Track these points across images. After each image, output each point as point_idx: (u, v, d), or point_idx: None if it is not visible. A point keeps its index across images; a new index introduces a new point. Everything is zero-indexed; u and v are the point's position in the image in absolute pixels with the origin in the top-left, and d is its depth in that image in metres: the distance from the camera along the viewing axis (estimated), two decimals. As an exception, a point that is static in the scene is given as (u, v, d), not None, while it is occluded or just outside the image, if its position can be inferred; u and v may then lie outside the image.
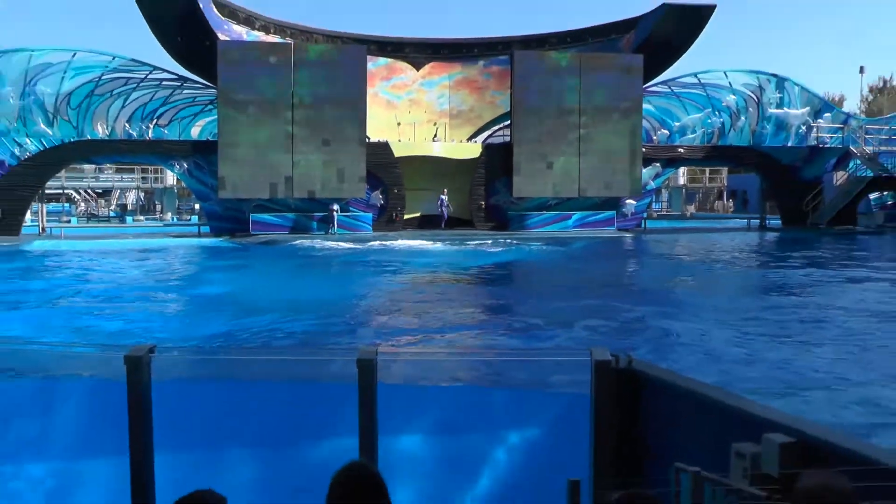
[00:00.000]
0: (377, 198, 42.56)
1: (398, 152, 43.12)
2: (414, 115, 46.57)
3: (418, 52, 47.82)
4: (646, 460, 6.94)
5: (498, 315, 20.07)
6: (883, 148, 49.71)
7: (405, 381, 9.11)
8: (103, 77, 39.96)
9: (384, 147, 43.00)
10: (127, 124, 40.65)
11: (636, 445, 7.07)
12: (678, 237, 44.71)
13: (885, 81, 77.92)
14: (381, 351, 6.90)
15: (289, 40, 44.05)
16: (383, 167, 42.55)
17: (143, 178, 62.69)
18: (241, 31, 43.28)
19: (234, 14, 43.03)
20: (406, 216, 43.31)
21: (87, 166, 57.38)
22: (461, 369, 11.29)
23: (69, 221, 54.14)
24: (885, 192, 52.03)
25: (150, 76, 40.45)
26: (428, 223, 43.57)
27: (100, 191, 67.65)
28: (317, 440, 8.18)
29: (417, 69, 47.85)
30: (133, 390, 6.87)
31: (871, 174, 48.71)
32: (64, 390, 8.56)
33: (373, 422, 6.77)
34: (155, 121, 40.46)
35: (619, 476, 6.68)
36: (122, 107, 40.49)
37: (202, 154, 40.50)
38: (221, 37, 40.66)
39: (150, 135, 40.81)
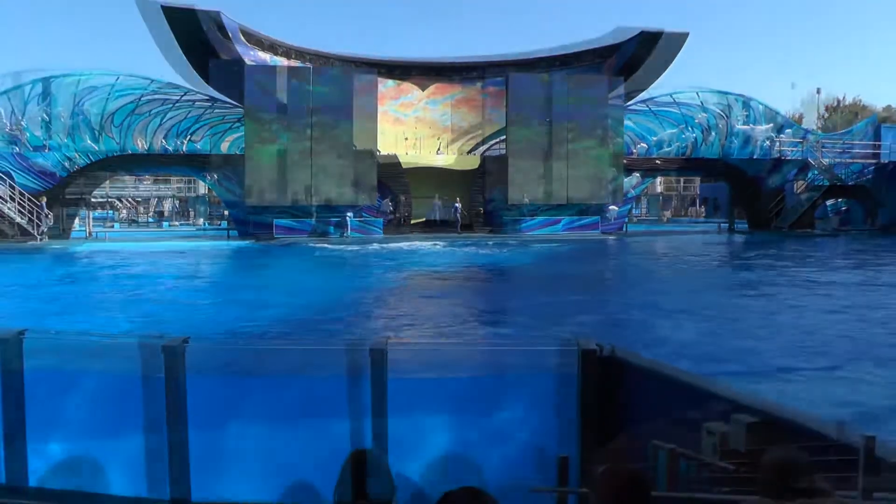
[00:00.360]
0: (387, 205, 42.90)
1: (405, 164, 43.49)
2: (420, 131, 46.92)
3: (423, 74, 48.03)
4: (627, 438, 6.86)
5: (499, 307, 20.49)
6: (837, 160, 49.87)
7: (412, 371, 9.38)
8: (143, 98, 40.35)
9: (393, 159, 43.37)
10: (164, 140, 41.01)
11: (619, 425, 7.07)
12: (656, 238, 45.22)
13: (838, 101, 78.59)
14: (391, 342, 6.97)
15: (308, 64, 44.31)
16: (392, 177, 42.98)
17: (178, 187, 63.03)
18: (266, 57, 43.59)
19: (259, 42, 43.35)
20: (412, 221, 43.59)
21: (128, 177, 57.70)
22: (461, 359, 11.43)
23: (112, 226, 54.46)
24: (839, 199, 52.40)
25: (184, 97, 40.82)
26: (435, 226, 43.74)
27: (139, 199, 67.95)
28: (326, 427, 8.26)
29: (423, 90, 48.11)
30: (170, 378, 6.93)
31: (827, 183, 49.04)
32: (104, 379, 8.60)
33: (384, 407, 6.82)
34: (189, 136, 40.80)
35: (603, 452, 6.59)
36: (160, 124, 40.86)
37: (231, 166, 40.82)
38: (248, 62, 41.06)
39: (184, 149, 41.19)
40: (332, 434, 7.70)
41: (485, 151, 47.79)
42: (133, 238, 41.74)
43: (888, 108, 70.85)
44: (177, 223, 59.42)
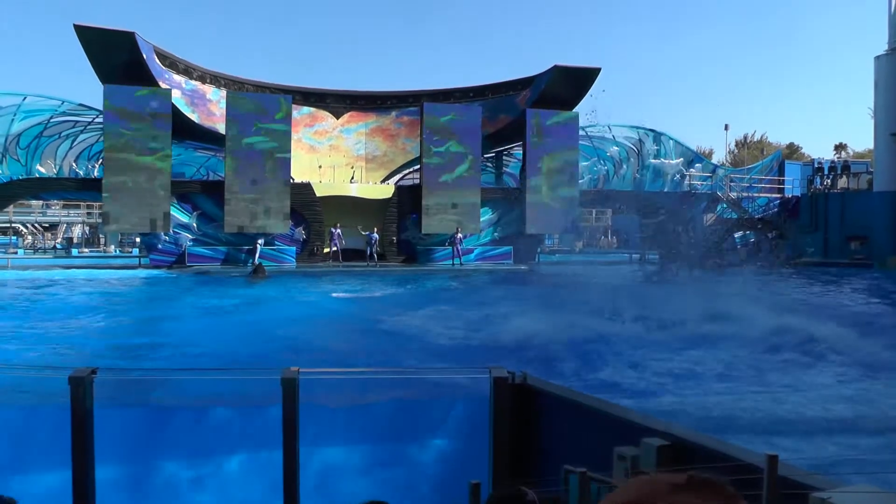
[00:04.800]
0: (300, 233, 42.99)
1: (319, 192, 43.56)
2: (333, 159, 47.22)
3: (338, 102, 48.45)
4: (539, 463, 7.28)
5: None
6: (745, 194, 51.77)
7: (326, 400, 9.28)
8: (52, 119, 40.03)
9: (307, 187, 43.46)
10: (74, 163, 40.79)
11: (531, 451, 7.45)
12: (568, 268, 45.97)
13: (746, 137, 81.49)
14: (303, 371, 7.05)
15: (222, 89, 44.31)
16: (306, 205, 43.06)
17: (88, 213, 62.15)
18: (181, 80, 43.35)
19: (174, 65, 43.16)
20: (325, 250, 43.72)
21: (34, 202, 56.81)
22: (374, 386, 11.71)
23: (16, 252, 53.42)
24: (746, 232, 54.14)
25: (96, 120, 40.51)
26: (353, 256, 43.30)
27: (47, 224, 66.77)
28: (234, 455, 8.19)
29: (337, 118, 48.45)
30: (76, 409, 6.89)
31: (735, 216, 50.76)
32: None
33: (295, 437, 6.90)
34: (101, 160, 40.26)
35: (515, 478, 6.93)
36: (70, 147, 40.66)
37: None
38: (163, 85, 40.83)
39: (95, 173, 40.93)
40: (242, 465, 8.14)
41: (398, 181, 48.45)
42: (35, 266, 40.93)
43: (791, 145, 73.57)
44: (86, 250, 58.54)
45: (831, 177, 53.67)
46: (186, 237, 40.97)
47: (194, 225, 41.18)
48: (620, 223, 69.18)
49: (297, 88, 47.32)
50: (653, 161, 50.19)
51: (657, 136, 50.57)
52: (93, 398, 6.94)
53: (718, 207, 51.28)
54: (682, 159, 51.02)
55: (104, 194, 38.83)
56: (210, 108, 43.73)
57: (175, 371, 11.76)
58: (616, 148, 49.35)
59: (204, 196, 41.46)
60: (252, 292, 31.32)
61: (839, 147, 71.31)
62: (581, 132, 47.69)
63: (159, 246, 40.55)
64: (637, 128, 50.08)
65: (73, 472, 6.88)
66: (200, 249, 40.65)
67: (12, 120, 39.25)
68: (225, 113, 41.53)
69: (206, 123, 43.25)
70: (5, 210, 46.49)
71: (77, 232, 65.79)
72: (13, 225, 61.71)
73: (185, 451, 8.17)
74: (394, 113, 48.95)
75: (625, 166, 49.46)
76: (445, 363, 15.56)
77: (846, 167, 54.63)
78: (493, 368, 7.42)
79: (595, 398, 7.35)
